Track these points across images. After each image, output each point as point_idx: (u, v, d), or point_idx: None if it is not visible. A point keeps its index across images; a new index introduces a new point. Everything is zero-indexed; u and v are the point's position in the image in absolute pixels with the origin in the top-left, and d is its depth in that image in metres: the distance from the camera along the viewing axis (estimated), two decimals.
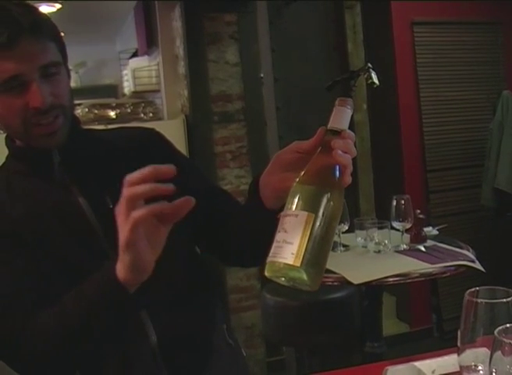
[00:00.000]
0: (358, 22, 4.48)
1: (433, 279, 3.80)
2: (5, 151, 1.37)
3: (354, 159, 1.01)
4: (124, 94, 5.18)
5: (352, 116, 1.04)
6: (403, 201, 2.69)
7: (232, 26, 3.92)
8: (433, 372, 1.17)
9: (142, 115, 4.26)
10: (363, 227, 2.71)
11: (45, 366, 1.18)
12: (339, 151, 0.97)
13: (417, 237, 2.71)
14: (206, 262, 1.51)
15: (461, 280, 3.82)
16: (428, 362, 1.20)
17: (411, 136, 4.36)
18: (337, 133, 1.01)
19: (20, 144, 1.34)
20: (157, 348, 1.28)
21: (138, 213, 0.97)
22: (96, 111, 4.02)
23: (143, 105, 4.33)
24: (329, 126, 1.02)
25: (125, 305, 1.09)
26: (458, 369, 0.99)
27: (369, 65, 1.05)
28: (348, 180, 0.99)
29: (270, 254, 0.94)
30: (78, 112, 3.70)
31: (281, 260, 0.91)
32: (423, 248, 2.64)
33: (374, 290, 2.73)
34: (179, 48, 3.94)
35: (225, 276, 3.89)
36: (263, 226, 1.15)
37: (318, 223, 0.92)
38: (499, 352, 0.81)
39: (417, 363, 1.19)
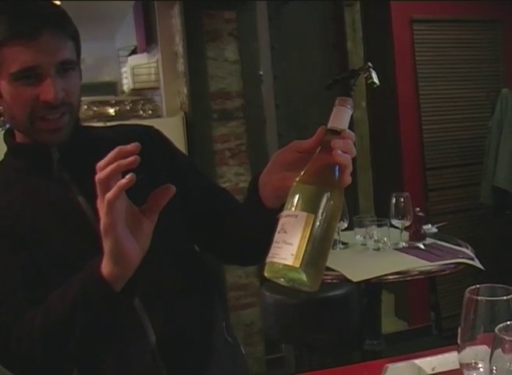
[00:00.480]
0: (357, 19, 4.48)
1: (432, 277, 3.81)
2: (3, 149, 1.37)
3: (353, 157, 1.01)
4: (123, 92, 5.17)
5: (351, 114, 1.04)
6: (402, 199, 2.70)
7: (232, 24, 3.91)
8: (433, 369, 1.17)
9: (141, 112, 4.25)
10: (362, 225, 2.72)
11: (32, 363, 1.17)
12: (339, 151, 0.97)
13: (417, 234, 2.71)
14: (205, 260, 1.51)
15: (460, 278, 3.84)
16: (428, 359, 1.20)
17: (410, 134, 4.36)
18: (337, 132, 1.00)
19: (20, 141, 1.33)
20: (156, 348, 1.28)
21: (109, 193, 0.98)
22: (95, 108, 4.02)
23: (142, 102, 4.32)
24: (329, 125, 1.02)
25: (110, 302, 1.09)
26: (458, 366, 0.99)
27: (369, 64, 1.05)
28: (348, 179, 0.99)
29: (269, 254, 0.94)
30: None
31: (280, 261, 0.91)
32: (422, 246, 2.64)
33: (373, 287, 2.74)
34: (179, 46, 3.93)
35: (224, 274, 3.88)
36: (262, 225, 1.15)
37: (317, 224, 0.92)
38: (499, 350, 0.80)
39: (417, 361, 1.19)
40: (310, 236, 0.91)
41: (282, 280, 0.95)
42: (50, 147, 1.29)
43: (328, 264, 0.98)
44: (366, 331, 2.88)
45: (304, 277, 0.91)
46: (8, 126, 1.45)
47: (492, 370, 0.81)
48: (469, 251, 2.55)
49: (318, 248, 0.92)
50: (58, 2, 1.34)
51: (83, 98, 1.37)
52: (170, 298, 1.32)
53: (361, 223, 2.73)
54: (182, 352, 1.31)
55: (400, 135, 4.34)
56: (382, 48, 4.39)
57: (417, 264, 2.41)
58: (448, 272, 2.43)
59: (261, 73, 4.01)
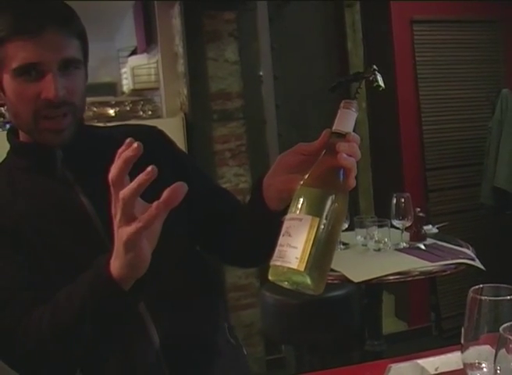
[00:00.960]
0: (357, 20, 4.47)
1: (432, 277, 3.80)
2: (6, 148, 1.36)
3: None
4: (123, 92, 5.16)
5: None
6: (403, 200, 2.70)
7: (232, 25, 3.90)
8: (436, 369, 1.17)
9: (141, 113, 4.25)
10: (363, 225, 2.72)
11: (39, 363, 1.17)
12: (344, 155, 0.97)
13: (417, 235, 2.71)
14: (207, 260, 1.51)
15: (460, 278, 3.84)
16: (431, 359, 1.20)
17: (410, 134, 4.36)
18: (342, 135, 1.00)
19: (23, 140, 1.33)
20: (159, 348, 1.28)
21: (125, 190, 0.95)
22: (95, 109, 4.02)
23: (142, 103, 4.32)
24: (334, 128, 1.01)
25: (119, 302, 1.08)
26: (461, 366, 0.99)
27: (375, 67, 1.05)
28: (353, 183, 0.99)
29: (273, 257, 0.93)
30: None
31: (285, 264, 0.91)
32: (423, 247, 2.64)
33: (374, 288, 2.74)
34: (179, 46, 3.93)
35: (223, 275, 3.88)
36: (266, 227, 1.15)
37: (322, 227, 0.92)
38: (503, 350, 0.80)
39: (420, 361, 1.19)
40: (314, 239, 0.91)
41: (286, 283, 0.95)
42: (54, 147, 1.29)
43: None
44: (367, 332, 2.88)
45: (308, 281, 0.91)
46: (8, 127, 1.44)
47: (496, 370, 0.81)
48: (470, 252, 2.55)
49: (322, 252, 0.92)
50: None
51: None
52: (173, 299, 1.32)
53: (362, 223, 2.73)
54: (185, 353, 1.31)
55: (400, 136, 4.34)
56: (382, 49, 4.39)
57: (418, 264, 2.41)
58: (449, 272, 2.43)
59: (261, 73, 4.01)
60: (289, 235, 0.92)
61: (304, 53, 4.27)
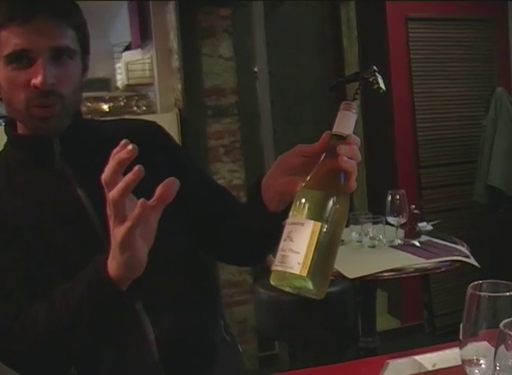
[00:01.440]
0: (352, 17, 4.47)
1: (426, 275, 3.81)
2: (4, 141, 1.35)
3: None
4: (117, 88, 5.14)
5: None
6: (398, 197, 2.70)
7: (227, 21, 3.90)
8: (434, 366, 1.17)
9: (135, 108, 4.23)
10: (358, 222, 2.72)
11: (34, 360, 1.16)
12: (345, 158, 0.97)
13: (412, 232, 2.72)
14: (203, 258, 1.50)
15: (453, 276, 3.85)
16: (428, 355, 1.20)
17: (404, 132, 4.37)
18: (342, 138, 1.00)
19: (21, 132, 1.32)
20: (155, 347, 1.27)
21: (114, 191, 0.95)
22: (89, 104, 3.99)
23: (136, 98, 4.30)
24: (334, 130, 1.01)
25: (116, 302, 1.08)
26: (459, 363, 0.99)
27: (375, 68, 1.04)
28: (353, 185, 0.98)
29: (275, 262, 0.93)
30: None
31: (287, 270, 0.91)
32: (418, 244, 2.65)
33: (368, 285, 2.74)
34: (173, 42, 3.91)
35: (217, 271, 3.88)
36: (264, 228, 1.15)
37: (324, 231, 0.92)
38: (503, 346, 0.80)
39: (417, 357, 1.19)
40: (316, 244, 0.91)
41: (288, 288, 0.95)
42: (49, 138, 1.27)
43: None
44: (361, 328, 2.88)
45: (310, 286, 0.91)
46: (3, 123, 1.42)
47: (496, 367, 0.81)
48: (464, 249, 2.55)
49: (324, 256, 0.92)
50: None
51: None
52: (169, 297, 1.31)
53: (357, 220, 2.73)
54: (180, 351, 1.30)
55: (394, 133, 4.35)
56: (376, 46, 4.39)
57: (412, 261, 2.42)
58: (444, 269, 2.44)
59: (256, 69, 4.01)
60: (291, 240, 0.92)
61: (299, 49, 4.27)
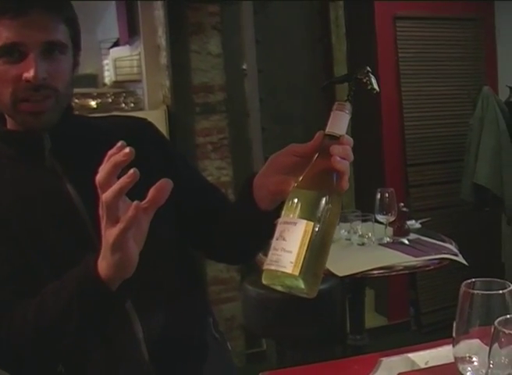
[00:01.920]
0: (341, 15, 4.47)
1: (412, 273, 3.83)
2: None
3: None
4: (105, 84, 5.12)
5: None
6: (387, 195, 2.71)
7: (216, 17, 3.89)
8: (426, 363, 1.18)
9: (123, 105, 4.22)
10: (347, 220, 2.72)
11: (21, 357, 1.16)
12: (338, 158, 0.98)
13: (401, 230, 2.73)
14: (193, 256, 1.50)
15: (439, 274, 3.87)
16: (421, 353, 1.21)
17: (392, 130, 4.38)
18: (335, 138, 1.00)
19: (11, 128, 1.31)
20: (144, 345, 1.27)
21: (107, 193, 0.95)
22: (76, 100, 3.96)
23: (124, 95, 4.29)
24: (327, 130, 1.02)
25: (106, 302, 1.07)
26: (451, 360, 0.99)
27: (368, 69, 1.04)
28: (346, 185, 0.99)
29: (267, 261, 0.93)
30: None
31: (279, 269, 0.91)
32: (406, 242, 2.66)
33: (357, 282, 2.75)
34: (162, 38, 3.90)
35: (204, 268, 3.87)
36: (256, 226, 1.16)
37: (316, 230, 0.92)
38: (496, 344, 0.81)
39: (410, 355, 1.20)
40: (309, 243, 0.91)
41: (280, 287, 0.95)
42: (39, 133, 1.26)
43: None
44: (349, 326, 2.89)
45: (302, 285, 0.91)
46: None
47: (490, 364, 0.81)
48: (453, 247, 2.56)
49: (316, 256, 0.93)
50: None
51: None
52: (159, 295, 1.31)
53: (346, 218, 2.73)
54: (170, 350, 1.30)
55: (382, 131, 4.36)
56: (364, 44, 4.39)
57: (401, 259, 2.43)
58: (432, 267, 2.45)
59: (245, 67, 4.01)
60: (284, 239, 0.93)
61: (288, 47, 4.27)
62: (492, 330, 0.82)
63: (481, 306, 0.93)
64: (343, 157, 0.98)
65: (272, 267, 0.92)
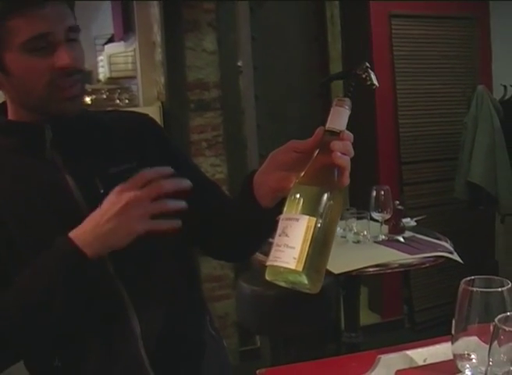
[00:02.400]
0: (336, 13, 4.47)
1: (406, 270, 3.84)
2: None
3: None
4: (99, 80, 5.11)
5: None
6: (382, 192, 2.71)
7: (211, 14, 3.88)
8: (424, 361, 1.18)
9: (118, 101, 4.21)
10: (342, 217, 2.72)
11: (7, 345, 1.14)
12: (338, 154, 0.98)
13: (396, 228, 2.73)
14: (191, 253, 1.50)
15: (433, 271, 3.88)
16: (419, 350, 1.21)
17: (387, 128, 4.38)
18: (336, 133, 1.01)
19: (12, 119, 1.30)
20: (141, 341, 1.26)
21: (140, 226, 1.05)
22: None
23: (119, 91, 4.28)
24: (327, 126, 1.02)
25: (84, 271, 1.09)
26: (449, 357, 1.00)
27: (367, 64, 1.04)
28: (347, 181, 0.99)
29: (270, 257, 0.94)
30: None
31: (282, 264, 0.92)
32: (402, 239, 2.66)
33: (352, 280, 2.75)
34: (157, 35, 3.90)
35: (198, 265, 3.87)
36: (257, 224, 1.16)
37: (319, 226, 0.93)
38: (496, 342, 0.81)
39: (409, 352, 1.20)
40: (311, 239, 0.92)
41: (284, 283, 0.96)
42: (40, 124, 1.25)
43: None
44: (343, 323, 2.89)
45: (305, 280, 0.92)
46: None
47: (489, 362, 0.82)
48: (448, 245, 2.57)
49: (319, 251, 0.93)
50: None
51: None
52: (156, 293, 1.31)
53: (341, 215, 2.73)
54: (167, 345, 1.30)
55: (377, 129, 4.36)
56: (359, 43, 4.40)
57: (397, 257, 2.43)
58: (428, 265, 2.45)
59: (240, 64, 4.00)
60: (286, 235, 0.93)
61: (284, 44, 4.27)
62: (492, 327, 0.82)
63: (480, 304, 0.94)
64: (343, 152, 0.99)
65: (275, 263, 0.92)
